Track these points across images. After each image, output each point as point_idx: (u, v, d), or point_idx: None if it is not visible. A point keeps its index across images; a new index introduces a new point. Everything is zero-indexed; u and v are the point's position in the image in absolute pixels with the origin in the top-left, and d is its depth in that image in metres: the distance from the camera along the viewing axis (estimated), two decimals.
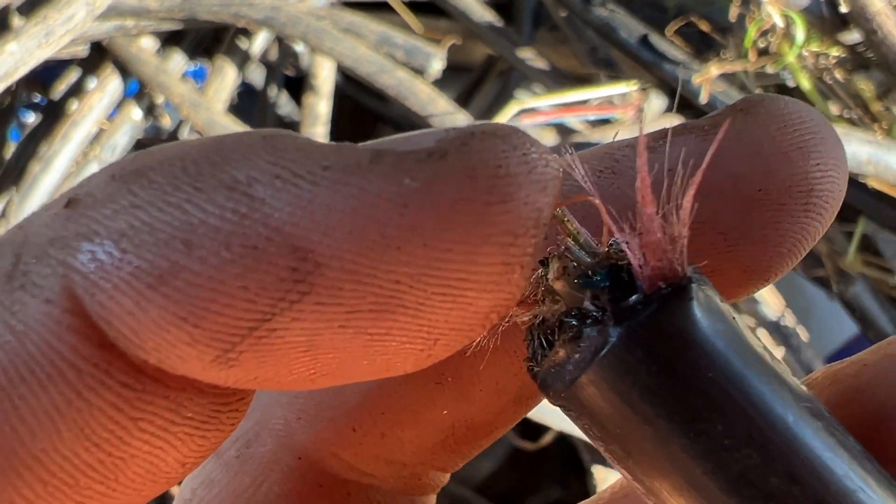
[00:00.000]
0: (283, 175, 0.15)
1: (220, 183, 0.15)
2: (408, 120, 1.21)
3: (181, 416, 0.16)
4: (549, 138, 1.05)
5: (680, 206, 0.17)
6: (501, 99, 1.32)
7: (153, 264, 0.15)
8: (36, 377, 0.15)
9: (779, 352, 0.88)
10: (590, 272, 0.18)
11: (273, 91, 1.38)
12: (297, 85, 1.31)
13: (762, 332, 0.90)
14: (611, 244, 0.18)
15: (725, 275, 0.20)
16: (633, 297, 0.17)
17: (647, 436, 0.17)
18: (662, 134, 0.21)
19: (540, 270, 0.19)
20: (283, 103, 1.42)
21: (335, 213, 0.15)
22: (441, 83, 1.12)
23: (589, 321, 0.17)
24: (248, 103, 1.40)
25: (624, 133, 0.90)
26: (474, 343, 0.19)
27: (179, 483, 0.19)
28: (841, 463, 0.17)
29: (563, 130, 1.04)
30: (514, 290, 0.16)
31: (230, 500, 0.22)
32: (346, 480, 0.23)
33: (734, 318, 0.18)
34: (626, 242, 0.17)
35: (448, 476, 0.25)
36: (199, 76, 1.35)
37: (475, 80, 1.39)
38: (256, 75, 1.38)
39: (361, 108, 1.44)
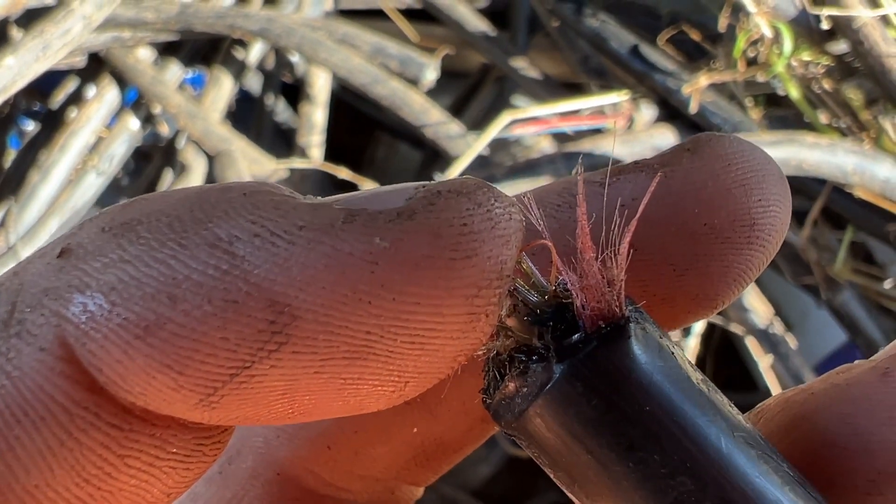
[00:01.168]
0: (261, 234, 0.17)
1: (204, 240, 0.16)
2: (405, 128, 1.22)
3: (166, 452, 0.18)
4: (543, 146, 1.06)
5: (618, 251, 0.18)
6: (497, 105, 1.33)
7: (140, 316, 0.16)
8: (30, 419, 0.16)
9: (767, 360, 0.89)
10: (537, 311, 0.19)
11: (270, 99, 1.39)
12: (295, 92, 1.32)
13: (751, 340, 0.91)
14: (558, 284, 0.19)
15: (675, 302, 0.22)
16: (576, 336, 0.18)
17: (589, 464, 0.18)
18: (616, 171, 0.22)
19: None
20: (281, 111, 1.43)
21: (310, 269, 0.16)
22: (437, 89, 1.13)
23: (535, 357, 0.19)
24: (245, 111, 1.41)
25: (612, 142, 0.91)
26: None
27: None
28: (773, 489, 0.18)
29: (555, 138, 1.05)
30: (480, 336, 0.18)
31: None
32: (322, 495, 0.24)
33: (673, 352, 0.19)
34: (571, 284, 0.19)
35: (422, 490, 0.26)
36: (197, 83, 1.36)
37: (471, 87, 1.40)
38: (254, 83, 1.39)
39: (359, 116, 1.45)
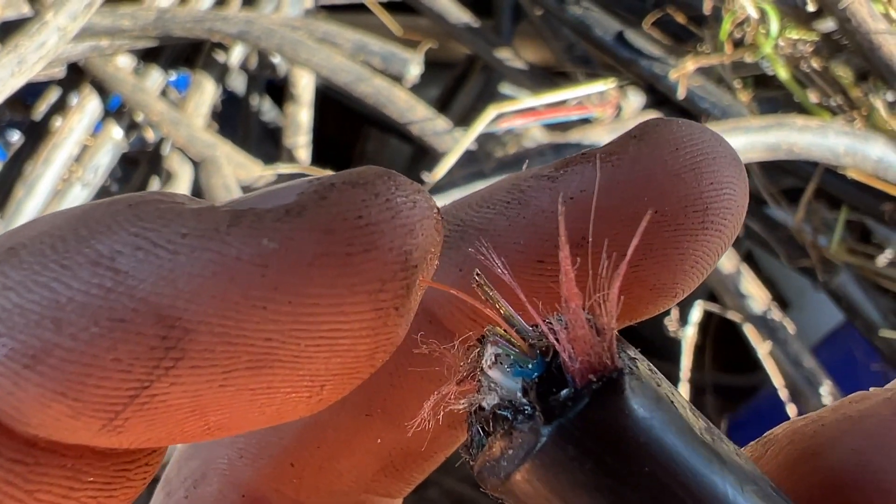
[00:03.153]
0: (144, 246, 0.16)
1: (86, 259, 0.16)
2: (394, 121, 1.20)
3: (81, 482, 0.17)
4: (533, 134, 1.05)
5: (607, 298, 0.17)
6: (485, 94, 1.31)
7: (26, 344, 0.15)
8: None
9: (766, 346, 0.88)
10: (520, 363, 0.18)
11: (255, 99, 1.37)
12: (281, 90, 1.30)
13: (749, 328, 0.90)
14: (542, 333, 0.18)
15: (633, 294, 0.21)
16: (564, 392, 0.17)
17: None
18: (563, 163, 0.21)
19: (477, 351, 0.19)
20: (267, 110, 1.42)
21: (197, 279, 0.15)
22: (423, 81, 1.11)
23: (521, 416, 0.17)
24: (231, 111, 1.40)
25: (600, 131, 0.90)
26: (416, 422, 0.19)
27: None
28: None
29: (545, 127, 1.04)
30: (393, 331, 0.17)
31: None
32: None
33: (672, 401, 0.18)
34: (558, 336, 0.17)
35: (398, 501, 0.25)
36: (181, 85, 1.34)
37: (458, 77, 1.39)
38: (238, 83, 1.38)
39: (347, 111, 1.44)
